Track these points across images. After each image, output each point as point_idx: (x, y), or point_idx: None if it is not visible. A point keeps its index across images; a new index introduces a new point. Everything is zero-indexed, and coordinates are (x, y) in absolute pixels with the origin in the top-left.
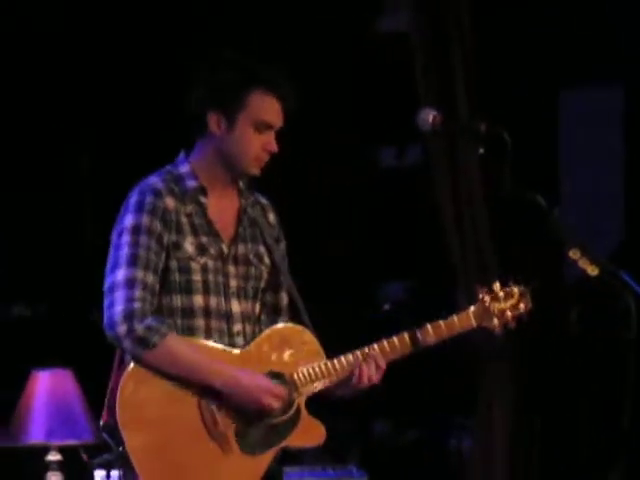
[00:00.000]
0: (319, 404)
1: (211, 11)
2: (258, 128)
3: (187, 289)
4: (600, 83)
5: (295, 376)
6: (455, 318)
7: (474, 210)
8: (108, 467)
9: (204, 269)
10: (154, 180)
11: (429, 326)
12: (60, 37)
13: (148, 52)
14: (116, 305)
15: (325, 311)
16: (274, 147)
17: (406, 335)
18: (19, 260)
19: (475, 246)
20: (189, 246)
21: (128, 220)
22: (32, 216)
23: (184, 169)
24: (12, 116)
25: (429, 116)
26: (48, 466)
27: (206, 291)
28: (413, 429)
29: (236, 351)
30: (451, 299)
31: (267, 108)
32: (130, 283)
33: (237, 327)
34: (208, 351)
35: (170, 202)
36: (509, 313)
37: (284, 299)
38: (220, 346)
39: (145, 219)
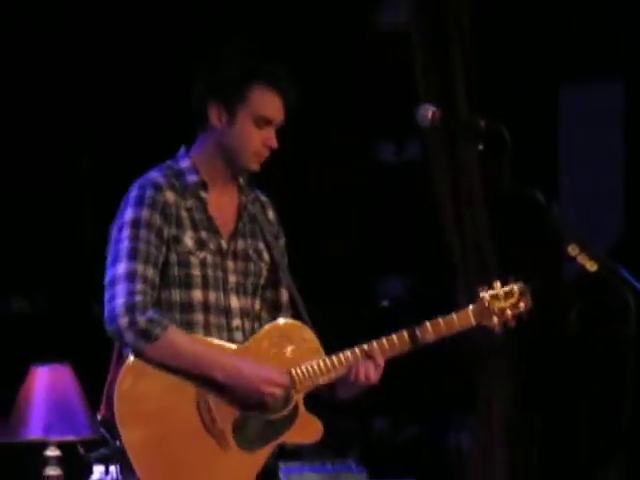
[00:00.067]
0: (319, 401)
1: (211, 11)
2: (258, 123)
3: (186, 283)
4: (600, 81)
5: (294, 372)
6: (454, 316)
7: (474, 210)
8: (106, 462)
9: (203, 264)
10: (154, 175)
11: (428, 324)
12: (60, 37)
13: (148, 52)
14: (117, 298)
15: (324, 308)
16: (274, 143)
17: (405, 333)
18: (18, 256)
19: (475, 245)
20: (189, 240)
21: (128, 214)
22: (31, 214)
23: (185, 164)
24: (12, 116)
25: (428, 112)
26: (47, 461)
27: (205, 286)
28: (412, 426)
29: (235, 346)
30: (451, 295)
31: (268, 103)
32: (131, 276)
33: (236, 322)
34: (208, 345)
35: (170, 196)
36: (509, 312)
37: (284, 296)
38: (219, 341)
39: (145, 213)
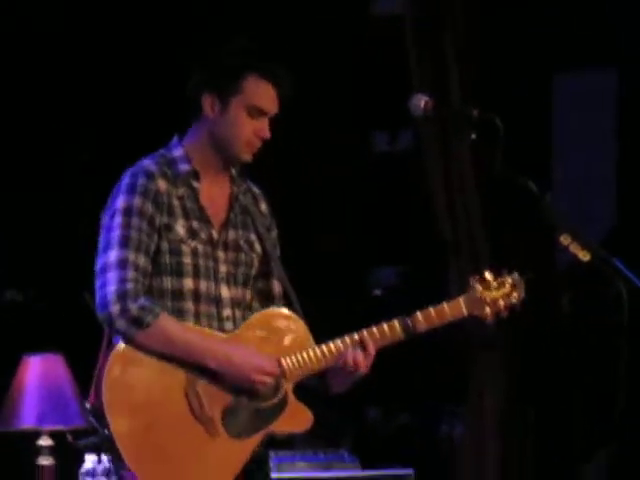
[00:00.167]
0: (313, 394)
1: (210, 10)
2: (251, 113)
3: (177, 271)
4: (594, 67)
5: (283, 362)
6: (446, 306)
7: (466, 197)
8: (98, 451)
9: (194, 253)
10: (147, 162)
11: (419, 313)
12: (60, 37)
13: (148, 52)
14: (109, 285)
15: (316, 299)
16: (266, 133)
17: (396, 322)
18: (10, 246)
19: (467, 233)
20: (180, 229)
21: (120, 201)
22: (25, 208)
23: (177, 152)
24: (12, 116)
25: (421, 101)
26: (39, 451)
27: (196, 275)
28: (404, 415)
29: (225, 335)
30: (443, 284)
31: (261, 94)
32: (122, 264)
33: (226, 312)
34: (199, 332)
35: (162, 184)
36: (501, 302)
37: (276, 286)
38: (209, 330)
39: (137, 201)
